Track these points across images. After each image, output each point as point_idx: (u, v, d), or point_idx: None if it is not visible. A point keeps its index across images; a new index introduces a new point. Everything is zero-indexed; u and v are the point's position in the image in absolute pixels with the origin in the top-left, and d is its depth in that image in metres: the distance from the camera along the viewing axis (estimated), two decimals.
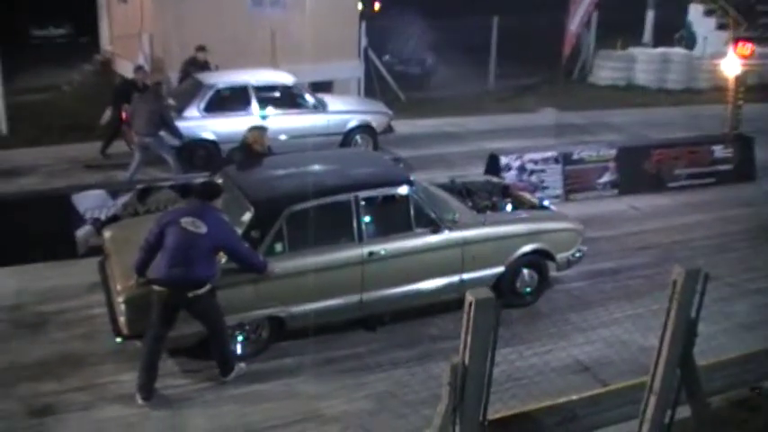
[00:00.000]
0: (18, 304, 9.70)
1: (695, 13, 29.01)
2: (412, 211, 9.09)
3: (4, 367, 8.33)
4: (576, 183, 14.19)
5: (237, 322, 8.41)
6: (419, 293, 9.24)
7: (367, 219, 8.87)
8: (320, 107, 15.37)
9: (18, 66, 20.65)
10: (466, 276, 9.38)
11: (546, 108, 21.84)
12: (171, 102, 14.57)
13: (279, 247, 8.46)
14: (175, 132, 13.54)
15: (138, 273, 7.89)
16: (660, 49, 26.69)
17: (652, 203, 14.20)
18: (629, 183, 14.58)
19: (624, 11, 28.44)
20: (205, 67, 16.47)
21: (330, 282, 8.70)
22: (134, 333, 8.01)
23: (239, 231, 8.25)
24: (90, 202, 11.08)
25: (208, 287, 7.74)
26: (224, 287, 8.03)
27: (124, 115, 14.13)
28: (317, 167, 9.64)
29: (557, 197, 13.58)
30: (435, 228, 9.16)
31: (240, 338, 8.57)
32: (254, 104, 14.76)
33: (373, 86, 21.72)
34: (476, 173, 13.09)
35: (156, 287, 7.67)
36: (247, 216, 8.45)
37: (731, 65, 16.09)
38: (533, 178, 13.72)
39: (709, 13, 28.54)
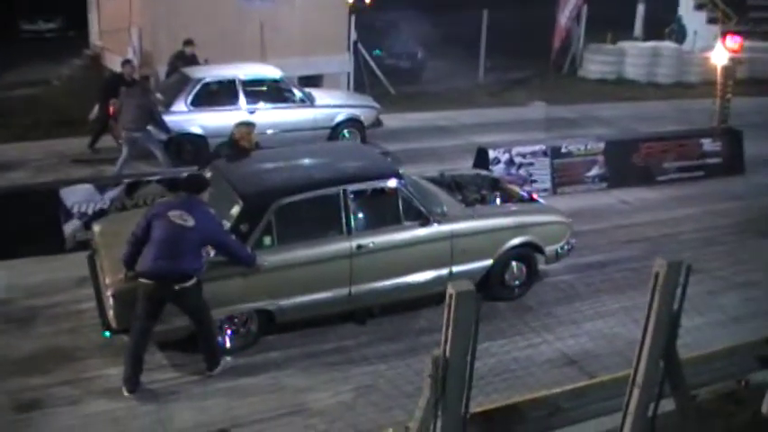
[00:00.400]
0: (6, 299, 9.67)
1: (686, 6, 29.10)
2: (401, 205, 9.10)
3: None
4: (565, 176, 14.20)
5: (227, 316, 8.41)
6: (408, 286, 9.24)
7: (356, 212, 8.88)
8: (308, 101, 15.35)
9: (7, 60, 20.69)
10: (455, 269, 9.38)
11: (536, 102, 21.83)
12: (158, 96, 14.55)
13: (268, 240, 8.47)
14: (163, 127, 13.51)
15: (126, 266, 7.88)
16: (650, 43, 26.70)
17: (641, 197, 14.23)
18: (618, 176, 14.60)
19: (614, 5, 28.43)
20: (193, 61, 16.40)
21: (319, 275, 8.71)
22: (123, 327, 8.00)
23: (228, 225, 8.26)
24: (78, 197, 11.04)
25: (194, 280, 7.74)
26: (213, 280, 8.03)
27: (111, 110, 14.09)
28: (305, 161, 9.67)
29: (545, 190, 13.58)
30: (424, 221, 9.17)
31: (229, 332, 8.56)
32: (242, 98, 14.73)
33: (363, 80, 21.68)
34: (465, 166, 13.09)
35: (142, 280, 7.66)
36: (236, 209, 8.44)
37: (719, 57, 16.14)
38: (522, 172, 13.72)
39: (699, 7, 28.65)
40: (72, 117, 17.26)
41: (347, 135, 15.72)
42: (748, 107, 19.15)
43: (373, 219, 9.07)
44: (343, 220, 8.79)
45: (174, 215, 7.70)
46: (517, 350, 8.67)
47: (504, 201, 10.62)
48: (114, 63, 18.70)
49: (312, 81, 19.50)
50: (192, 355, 8.31)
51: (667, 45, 26.65)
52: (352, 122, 15.81)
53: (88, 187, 11.14)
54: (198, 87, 14.59)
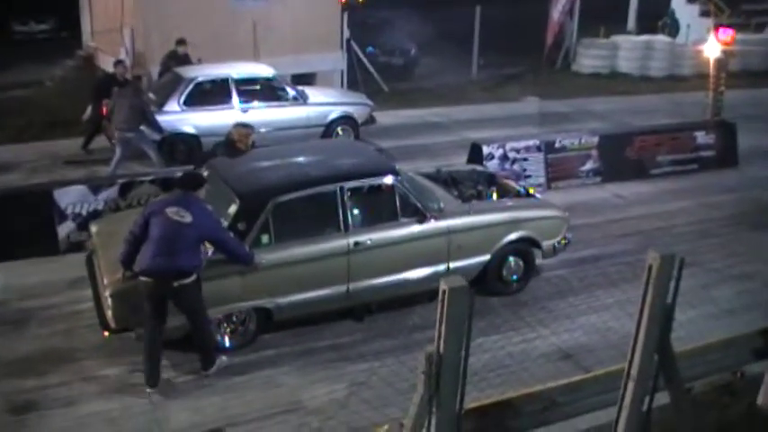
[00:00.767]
0: (0, 301, 9.65)
1: (678, 0, 29.06)
2: (397, 201, 9.11)
3: None
4: (559, 171, 14.20)
5: (225, 314, 8.41)
6: (406, 283, 9.25)
7: (352, 209, 8.89)
8: (301, 99, 15.36)
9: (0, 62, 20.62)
10: (452, 265, 9.39)
11: (530, 97, 21.86)
12: (151, 96, 14.53)
13: (265, 238, 8.47)
14: (156, 127, 13.50)
15: (124, 266, 7.88)
16: (643, 37, 26.70)
17: (635, 190, 14.22)
18: (612, 170, 14.59)
19: None
20: (185, 60, 16.38)
21: (317, 272, 8.71)
22: (121, 327, 8.04)
23: (225, 223, 8.26)
24: (72, 198, 11.03)
25: (194, 278, 7.74)
26: (211, 279, 8.02)
27: (104, 110, 14.07)
28: (302, 159, 9.67)
29: (539, 185, 13.57)
30: (421, 217, 9.18)
31: (228, 330, 8.57)
32: (235, 97, 14.74)
33: (356, 78, 21.66)
34: (459, 162, 13.08)
35: (142, 278, 7.66)
36: (233, 208, 8.45)
37: (712, 50, 16.15)
38: (516, 167, 13.72)
39: (692, 0, 28.64)
40: (65, 118, 17.25)
41: (341, 133, 15.73)
42: (741, 100, 19.19)
43: (370, 216, 9.07)
44: (341, 217, 8.79)
45: (172, 212, 7.69)
46: (511, 345, 8.67)
47: (500, 196, 10.64)
48: (107, 63, 18.66)
49: (305, 79, 19.46)
50: (186, 355, 8.31)
51: (660, 38, 26.68)
52: (346, 120, 15.82)
53: (82, 188, 11.12)
54: (191, 87, 14.58)
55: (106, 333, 8.14)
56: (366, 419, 7.33)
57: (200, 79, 14.78)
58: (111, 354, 8.46)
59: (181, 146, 14.28)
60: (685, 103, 19.80)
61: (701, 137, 15.54)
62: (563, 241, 10.29)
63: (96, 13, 22.82)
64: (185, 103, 14.44)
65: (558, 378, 7.00)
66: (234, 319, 8.59)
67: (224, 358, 8.34)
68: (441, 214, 9.37)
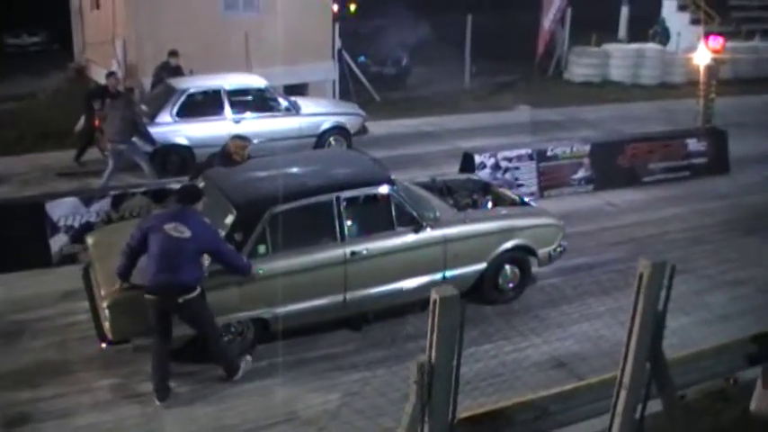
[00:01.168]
0: None
1: (669, 8, 29.25)
2: (393, 211, 9.12)
3: None
4: (551, 179, 14.22)
5: (223, 324, 8.39)
6: (402, 292, 9.25)
7: (349, 219, 8.90)
8: (293, 110, 15.38)
9: None
10: (448, 274, 9.41)
11: (522, 105, 21.91)
12: (143, 107, 14.54)
13: (262, 248, 8.47)
14: (148, 138, 13.50)
15: (121, 278, 7.89)
16: (634, 45, 26.84)
17: (627, 198, 14.25)
18: (604, 178, 14.62)
19: (598, 7, 28.56)
20: (178, 71, 16.42)
21: (313, 282, 8.72)
22: (119, 338, 8.03)
23: (222, 234, 8.26)
24: (64, 210, 11.01)
25: (198, 291, 7.76)
26: (209, 290, 8.01)
27: (97, 122, 14.07)
28: (298, 169, 9.67)
29: (531, 194, 13.58)
30: (417, 226, 9.19)
31: (226, 341, 8.54)
32: (227, 108, 14.75)
33: (348, 88, 21.70)
34: (451, 172, 13.09)
35: (147, 295, 7.67)
36: (230, 218, 8.46)
37: (702, 58, 16.23)
38: (507, 176, 13.74)
39: (682, 8, 28.77)
40: (57, 130, 17.29)
41: (333, 143, 15.75)
42: (732, 107, 19.28)
43: (366, 225, 9.08)
44: (337, 227, 8.80)
45: (170, 228, 7.70)
46: (504, 354, 8.68)
47: (495, 205, 10.68)
48: (99, 75, 18.76)
49: (297, 90, 19.53)
50: (180, 365, 8.28)
51: (651, 47, 26.79)
52: (338, 130, 15.86)
53: (74, 200, 11.10)
54: (183, 98, 14.59)
55: (104, 345, 8.12)
56: (359, 429, 7.35)
57: (192, 90, 14.80)
58: (105, 366, 8.44)
59: (173, 157, 14.28)
60: (677, 111, 19.85)
61: (693, 144, 15.59)
62: (558, 249, 10.30)
63: (88, 25, 22.85)
64: (178, 114, 14.45)
65: (551, 387, 6.99)
66: (232, 329, 8.58)
67: (249, 358, 8.41)
68: (437, 223, 9.39)
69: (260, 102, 15.28)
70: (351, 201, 8.96)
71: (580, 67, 26.15)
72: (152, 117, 14.26)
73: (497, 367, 8.37)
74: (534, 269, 10.26)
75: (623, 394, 5.68)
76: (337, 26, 21.49)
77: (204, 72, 16.24)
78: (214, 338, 8.08)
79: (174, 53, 16.57)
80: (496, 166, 13.70)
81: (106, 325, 8.03)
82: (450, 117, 20.43)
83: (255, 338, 8.73)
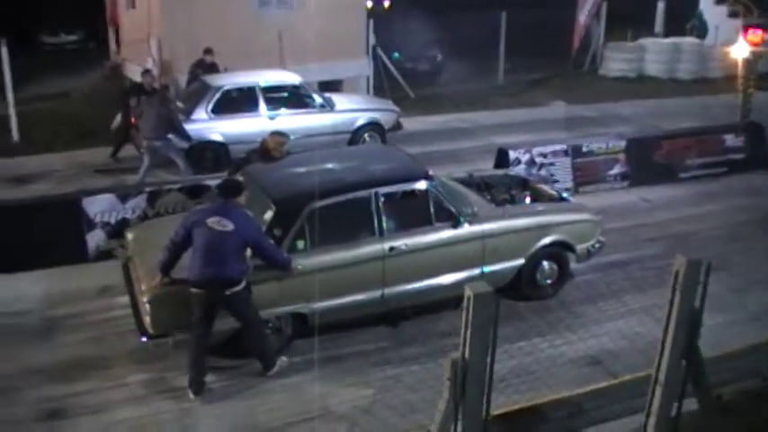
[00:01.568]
0: (29, 309, 9.74)
1: (707, 1, 28.90)
2: (431, 206, 9.12)
3: (14, 372, 8.37)
4: (586, 175, 14.12)
5: (262, 319, 8.42)
6: (440, 287, 9.23)
7: (387, 214, 8.89)
8: (328, 106, 15.41)
9: (29, 73, 20.83)
10: (486, 269, 9.38)
11: (556, 101, 21.78)
12: (179, 104, 14.63)
13: (301, 244, 8.50)
14: (184, 135, 13.59)
15: (162, 272, 7.97)
16: (670, 39, 26.57)
17: (663, 194, 14.11)
18: (640, 174, 14.49)
19: (634, 2, 28.32)
20: (213, 69, 16.53)
21: (352, 277, 8.74)
22: (159, 332, 8.10)
23: (262, 229, 8.30)
24: (100, 207, 11.12)
25: (243, 284, 7.84)
26: (250, 284, 8.07)
27: (133, 119, 14.18)
28: (336, 165, 9.67)
29: (566, 190, 13.48)
30: (455, 221, 9.18)
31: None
32: (262, 105, 14.81)
33: (382, 84, 21.69)
34: (485, 168, 13.04)
35: (193, 289, 7.76)
36: (269, 214, 8.50)
37: (740, 51, 16.03)
38: (543, 172, 13.65)
39: (720, 1, 28.44)
40: (93, 128, 17.43)
41: (367, 139, 15.75)
42: None
43: (405, 221, 9.08)
44: (375, 222, 8.82)
45: (213, 221, 7.77)
46: (538, 351, 8.62)
47: (533, 200, 10.64)
48: (134, 73, 18.86)
49: (332, 86, 19.55)
50: (216, 359, 8.33)
51: (688, 41, 26.49)
52: (373, 126, 15.86)
53: (110, 197, 11.21)
54: (218, 95, 14.68)
55: (144, 339, 8.19)
56: (392, 426, 7.35)
57: (227, 87, 14.87)
58: (140, 361, 8.51)
59: (208, 154, 14.36)
60: (714, 106, 19.65)
61: (730, 139, 15.37)
62: (596, 245, 10.23)
63: (124, 23, 23.03)
64: (213, 111, 14.53)
65: (585, 384, 6.99)
66: (270, 324, 8.61)
67: (284, 359, 8.43)
68: (475, 218, 9.36)
69: (294, 98, 15.31)
70: (389, 196, 8.97)
71: (615, 62, 25.90)
72: (187, 114, 14.36)
73: (531, 364, 8.32)
74: (572, 265, 10.20)
75: (659, 392, 5.64)
76: (371, 22, 21.46)
77: (239, 69, 16.30)
78: (258, 331, 8.15)
79: (209, 50, 16.68)
80: (531, 162, 13.64)
81: (146, 319, 8.11)
82: (484, 113, 20.37)
83: (294, 333, 8.77)
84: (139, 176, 13.44)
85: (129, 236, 9.72)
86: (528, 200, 10.65)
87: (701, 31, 27.71)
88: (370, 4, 23.26)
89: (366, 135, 15.77)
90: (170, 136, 13.50)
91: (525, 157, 13.62)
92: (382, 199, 8.85)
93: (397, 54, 23.68)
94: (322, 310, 8.64)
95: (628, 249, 11.42)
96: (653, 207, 13.57)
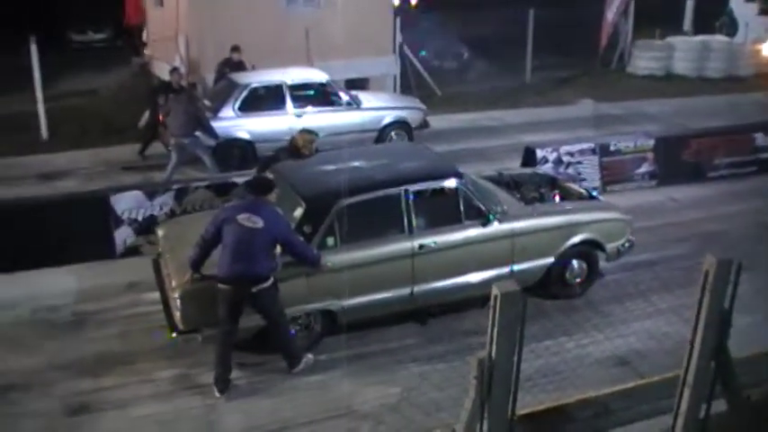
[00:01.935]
0: (57, 304, 9.82)
1: None
2: (461, 204, 9.10)
3: (42, 366, 8.45)
4: (614, 174, 14.03)
5: (290, 316, 8.43)
6: (469, 285, 9.21)
7: (417, 212, 8.89)
8: (354, 104, 15.41)
9: (58, 70, 20.98)
10: (516, 268, 9.37)
11: (583, 99, 21.64)
12: (206, 102, 14.68)
13: (330, 241, 8.53)
14: (211, 133, 13.64)
15: (193, 268, 8.01)
16: (700, 37, 26.26)
17: (691, 194, 13.99)
18: (668, 173, 14.38)
19: None
20: (240, 67, 16.57)
21: (381, 275, 8.76)
22: (189, 328, 8.15)
23: (292, 226, 8.32)
24: (128, 203, 11.18)
25: (271, 281, 7.87)
26: (279, 281, 8.08)
27: (160, 117, 14.25)
28: (365, 162, 9.68)
29: (594, 189, 13.40)
30: (485, 219, 9.16)
31: (293, 332, 8.60)
32: (289, 103, 14.83)
33: (409, 82, 21.65)
34: (512, 166, 12.98)
35: (220, 285, 7.79)
36: (299, 211, 8.53)
37: None
38: (570, 170, 13.57)
39: None
40: (121, 125, 17.54)
41: (394, 137, 15.73)
42: None
43: (434, 218, 9.08)
44: (405, 220, 8.82)
45: (243, 218, 7.80)
46: (565, 351, 8.57)
47: (562, 199, 10.60)
48: (162, 71, 18.93)
49: (358, 84, 19.54)
50: (240, 356, 8.36)
51: (717, 39, 26.19)
52: (399, 124, 15.83)
53: (137, 194, 11.27)
54: (245, 93, 14.72)
55: (174, 334, 8.23)
56: (418, 424, 7.32)
57: (254, 85, 14.91)
58: (166, 357, 8.57)
59: (235, 151, 14.41)
60: (743, 104, 19.48)
61: (760, 138, 15.17)
62: (626, 244, 10.17)
63: (151, 21, 23.13)
64: (240, 108, 14.57)
65: (612, 384, 6.93)
66: (299, 321, 8.64)
67: (310, 356, 8.45)
68: (504, 217, 9.34)
69: (321, 96, 15.33)
70: (419, 194, 8.97)
71: (644, 60, 25.66)
72: (215, 111, 14.40)
73: (558, 364, 8.27)
74: (601, 264, 10.13)
75: (687, 393, 5.58)
76: (398, 20, 21.42)
77: (266, 67, 16.32)
78: (283, 328, 8.17)
79: (236, 48, 16.73)
80: (559, 161, 13.56)
81: (177, 315, 8.17)
82: (512, 111, 20.29)
83: (323, 330, 8.79)
84: (167, 174, 13.51)
85: (160, 232, 9.79)
86: (557, 198, 10.60)
87: (730, 28, 27.47)
88: (397, 2, 23.16)
89: (393, 133, 15.74)
90: (197, 134, 13.57)
91: (552, 156, 13.55)
92: (412, 197, 8.85)
93: (423, 52, 23.63)
94: (351, 307, 8.66)
95: (656, 249, 11.32)
96: (681, 206, 13.46)
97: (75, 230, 10.74)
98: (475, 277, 9.20)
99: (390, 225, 8.86)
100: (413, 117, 16.08)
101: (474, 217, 9.15)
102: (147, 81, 21.25)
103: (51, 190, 13.46)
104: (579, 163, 13.76)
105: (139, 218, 11.20)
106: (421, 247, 8.83)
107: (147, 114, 16.05)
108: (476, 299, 9.09)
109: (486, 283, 8.89)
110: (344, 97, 15.44)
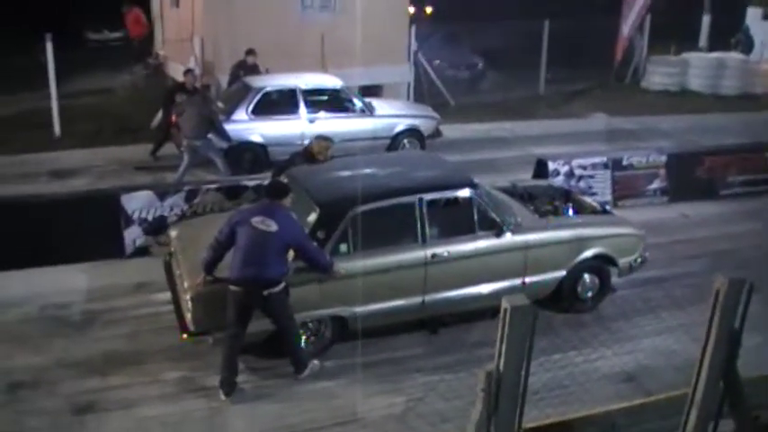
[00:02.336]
0: (65, 302, 9.84)
1: (753, 16, 28.61)
2: (475, 214, 9.09)
3: (49, 365, 8.46)
4: (625, 189, 13.99)
5: (301, 321, 8.43)
6: (481, 296, 9.19)
7: (431, 221, 8.87)
8: (368, 111, 15.43)
9: (73, 69, 21.05)
10: (528, 280, 9.36)
11: (597, 113, 21.64)
12: (220, 105, 14.71)
13: (344, 247, 8.52)
14: (224, 135, 13.66)
15: (206, 271, 8.02)
16: (715, 54, 26.21)
17: (703, 211, 13.93)
18: (680, 190, 14.33)
19: (679, 15, 28.05)
20: (254, 70, 16.61)
21: (393, 283, 8.74)
22: (200, 330, 8.15)
23: (305, 231, 8.33)
24: (138, 203, 11.20)
25: (282, 285, 7.86)
26: (291, 286, 8.08)
27: (173, 118, 14.29)
28: (380, 170, 9.70)
29: (605, 204, 13.38)
30: (498, 231, 9.15)
31: (303, 337, 8.61)
32: (302, 108, 14.85)
33: (423, 91, 21.65)
34: (524, 178, 12.95)
35: (231, 287, 7.79)
36: (313, 217, 8.52)
37: None
38: (582, 184, 13.55)
39: (767, 17, 28.09)
40: (134, 125, 17.58)
41: (407, 145, 15.74)
42: None
43: (448, 228, 9.05)
44: (418, 228, 8.81)
45: (257, 221, 7.82)
46: (572, 365, 8.54)
47: (576, 212, 10.57)
48: (177, 72, 18.99)
49: (372, 91, 19.56)
50: (245, 361, 8.36)
51: (733, 56, 26.11)
52: (412, 133, 15.85)
53: (149, 194, 11.28)
54: (259, 96, 14.74)
55: (185, 336, 8.23)
56: None
57: (268, 89, 14.94)
58: (173, 358, 8.57)
59: (247, 155, 14.43)
60: (758, 123, 19.38)
61: None
62: (639, 260, 10.14)
63: (167, 22, 23.21)
64: (253, 112, 14.60)
65: (620, 401, 6.90)
66: (309, 325, 8.63)
67: (316, 363, 8.43)
68: (518, 228, 9.32)
69: (335, 102, 15.36)
70: (433, 203, 8.95)
71: (658, 75, 25.64)
72: (228, 114, 14.43)
73: (565, 378, 8.24)
74: (614, 279, 10.11)
75: (694, 412, 5.55)
76: (413, 29, 21.44)
77: (280, 71, 16.36)
78: (291, 333, 8.16)
79: (251, 52, 16.76)
80: (570, 174, 13.53)
81: (188, 316, 8.18)
82: (524, 123, 20.25)
83: (333, 337, 8.78)
84: (178, 175, 13.53)
85: (173, 233, 9.80)
86: (571, 212, 10.57)
87: (746, 46, 27.38)
88: (412, 11, 23.17)
89: (405, 141, 15.76)
90: (210, 136, 13.59)
91: (564, 169, 13.52)
92: (426, 205, 8.84)
93: (438, 61, 23.63)
94: (362, 314, 8.66)
95: (666, 266, 11.27)
96: (692, 223, 13.42)
97: (85, 229, 10.75)
98: (487, 288, 9.19)
99: (404, 233, 8.85)
100: (425, 126, 16.09)
101: (487, 228, 9.13)
102: (161, 82, 21.32)
103: (63, 188, 13.49)
104: (591, 177, 13.72)
105: (150, 218, 11.22)
106: (434, 256, 8.82)
107: (159, 115, 16.08)
108: (485, 310, 9.08)
109: (498, 295, 8.88)
110: (358, 104, 15.46)
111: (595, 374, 8.49)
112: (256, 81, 15.44)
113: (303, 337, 8.58)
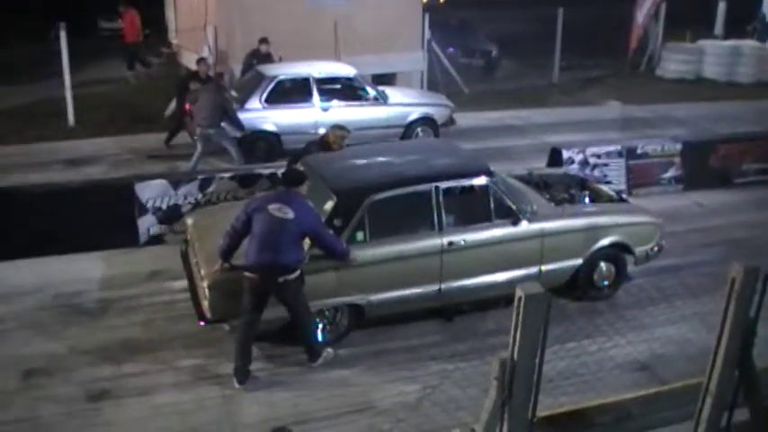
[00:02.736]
0: (80, 290, 9.88)
1: None
2: (491, 202, 9.07)
3: (63, 352, 8.50)
4: (640, 177, 13.94)
5: (318, 309, 8.45)
6: (497, 284, 9.17)
7: (447, 209, 8.86)
8: (381, 99, 15.38)
9: (86, 57, 21.12)
10: (544, 268, 9.34)
11: (611, 101, 21.52)
12: (233, 93, 14.70)
13: (360, 235, 8.52)
14: (237, 124, 13.66)
15: (222, 258, 8.02)
16: (730, 42, 26.06)
17: (718, 199, 13.87)
18: (695, 178, 14.26)
19: (694, 2, 27.88)
20: (268, 58, 16.60)
21: (410, 271, 8.74)
22: (217, 317, 8.18)
23: (322, 219, 8.33)
24: (152, 192, 11.22)
25: (297, 273, 7.87)
26: (307, 273, 8.09)
27: (187, 106, 14.29)
28: (396, 158, 9.68)
29: (620, 192, 13.32)
30: (515, 219, 9.13)
31: (320, 325, 8.62)
32: (316, 96, 14.82)
33: (436, 79, 21.60)
34: (538, 166, 12.91)
35: (246, 274, 7.80)
36: (330, 205, 8.52)
37: None
38: (596, 172, 13.50)
39: None
40: (148, 113, 17.62)
41: (420, 133, 15.69)
42: None
43: (464, 216, 9.05)
44: (435, 216, 8.79)
45: (274, 208, 7.82)
46: (587, 354, 8.51)
47: (592, 200, 10.54)
48: (190, 61, 19.01)
49: (386, 79, 19.51)
50: (260, 349, 8.39)
51: (748, 43, 25.96)
52: (426, 121, 15.79)
53: (162, 183, 11.29)
54: (272, 85, 14.72)
55: (202, 323, 8.25)
56: (437, 423, 7.30)
57: (281, 78, 14.91)
58: (187, 346, 8.60)
59: (261, 143, 14.43)
60: None
61: None
62: (656, 248, 10.10)
63: (180, 11, 23.21)
64: (267, 100, 14.59)
65: (634, 389, 6.90)
66: (326, 314, 8.64)
67: (330, 351, 8.44)
68: (534, 217, 9.29)
69: (348, 90, 15.33)
70: (449, 191, 8.94)
71: (673, 63, 25.50)
72: (241, 103, 14.42)
73: (580, 367, 8.22)
74: (630, 267, 10.07)
75: (709, 401, 5.53)
76: (427, 17, 21.37)
77: (293, 59, 16.34)
78: (306, 320, 8.16)
79: (264, 40, 16.76)
80: (585, 162, 13.48)
81: (205, 304, 8.21)
82: (538, 111, 20.20)
83: (350, 325, 8.78)
84: (192, 163, 13.55)
85: (189, 221, 9.82)
86: (587, 200, 10.54)
87: (762, 33, 27.19)
88: None
89: (419, 129, 15.71)
90: (223, 124, 13.59)
91: (579, 157, 13.47)
92: (442, 193, 8.82)
93: (451, 49, 23.55)
94: (379, 302, 8.67)
95: (680, 254, 11.22)
96: (707, 212, 13.36)
97: (100, 217, 10.78)
98: (503, 276, 9.16)
99: (420, 221, 8.84)
100: (439, 114, 16.03)
101: (504, 216, 9.11)
102: (174, 71, 21.33)
103: (77, 176, 13.54)
104: (606, 165, 13.67)
105: (164, 207, 11.24)
106: (450, 244, 8.80)
107: (173, 104, 16.09)
108: (500, 298, 9.07)
109: (514, 283, 8.87)
110: (371, 92, 15.42)
111: (609, 363, 8.46)
112: (270, 69, 15.42)
113: (320, 325, 8.60)
